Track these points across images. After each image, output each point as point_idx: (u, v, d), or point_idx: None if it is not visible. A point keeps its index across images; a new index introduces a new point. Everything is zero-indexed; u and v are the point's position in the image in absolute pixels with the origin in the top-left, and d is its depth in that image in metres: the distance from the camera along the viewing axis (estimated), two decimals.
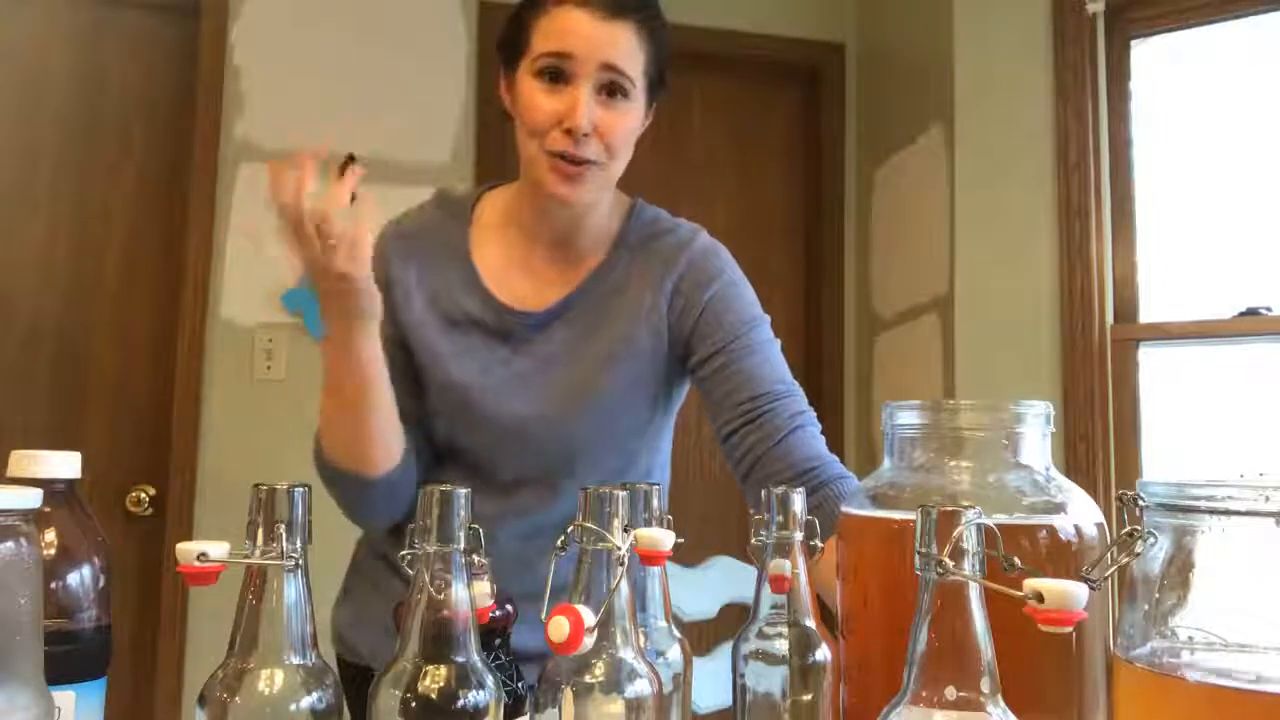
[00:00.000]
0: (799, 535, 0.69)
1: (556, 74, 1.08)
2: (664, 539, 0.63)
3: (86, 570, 0.65)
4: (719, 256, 1.21)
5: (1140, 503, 0.59)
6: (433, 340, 1.17)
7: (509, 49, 1.14)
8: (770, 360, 1.15)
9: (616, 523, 0.59)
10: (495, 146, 2.63)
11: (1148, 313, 2.34)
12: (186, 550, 0.56)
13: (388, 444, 1.10)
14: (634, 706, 0.58)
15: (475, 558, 0.60)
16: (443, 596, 0.57)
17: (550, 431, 1.16)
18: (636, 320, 1.17)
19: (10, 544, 0.49)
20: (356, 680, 1.07)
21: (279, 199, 0.91)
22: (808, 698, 0.68)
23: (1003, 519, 0.63)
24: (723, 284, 1.18)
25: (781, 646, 0.68)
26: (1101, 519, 0.67)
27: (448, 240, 1.21)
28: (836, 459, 1.10)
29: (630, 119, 1.12)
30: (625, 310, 1.18)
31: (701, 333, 1.16)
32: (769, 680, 0.69)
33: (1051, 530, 0.64)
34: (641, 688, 0.58)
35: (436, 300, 1.18)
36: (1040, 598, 0.51)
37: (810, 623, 0.69)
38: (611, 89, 1.09)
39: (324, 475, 1.12)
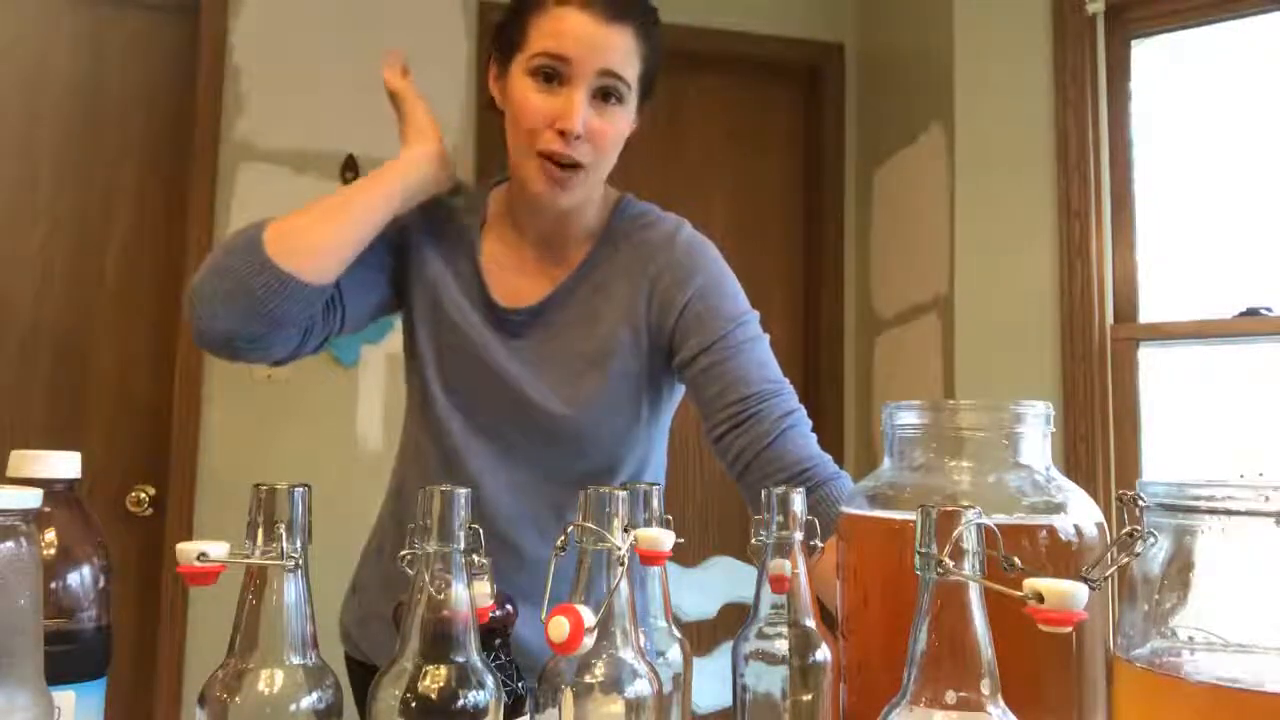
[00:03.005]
0: (799, 535, 0.69)
1: (552, 74, 1.07)
2: (664, 539, 0.63)
3: (86, 570, 0.65)
4: (700, 252, 1.17)
5: (1140, 503, 0.59)
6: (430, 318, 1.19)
7: (504, 42, 1.12)
8: (756, 359, 1.11)
9: (616, 523, 0.59)
10: (494, 146, 2.62)
11: (1147, 313, 2.34)
12: (186, 550, 0.56)
13: (341, 259, 1.08)
14: (634, 706, 0.58)
15: (475, 558, 0.60)
16: (443, 596, 0.57)
17: (538, 420, 1.16)
18: (617, 319, 1.15)
19: (10, 544, 0.49)
20: (364, 678, 1.07)
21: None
22: (808, 698, 0.68)
23: (1003, 519, 0.63)
24: (703, 281, 1.14)
25: (781, 646, 0.68)
26: (1101, 519, 0.67)
27: (462, 235, 1.21)
28: (829, 458, 1.07)
29: (622, 123, 1.11)
30: (607, 308, 1.16)
31: (683, 333, 1.12)
32: (769, 680, 0.69)
33: (1051, 530, 0.64)
34: (641, 688, 0.58)
35: (441, 290, 1.19)
36: (1040, 598, 0.51)
37: (810, 623, 0.69)
38: (605, 93, 1.08)
39: (248, 262, 1.05)
